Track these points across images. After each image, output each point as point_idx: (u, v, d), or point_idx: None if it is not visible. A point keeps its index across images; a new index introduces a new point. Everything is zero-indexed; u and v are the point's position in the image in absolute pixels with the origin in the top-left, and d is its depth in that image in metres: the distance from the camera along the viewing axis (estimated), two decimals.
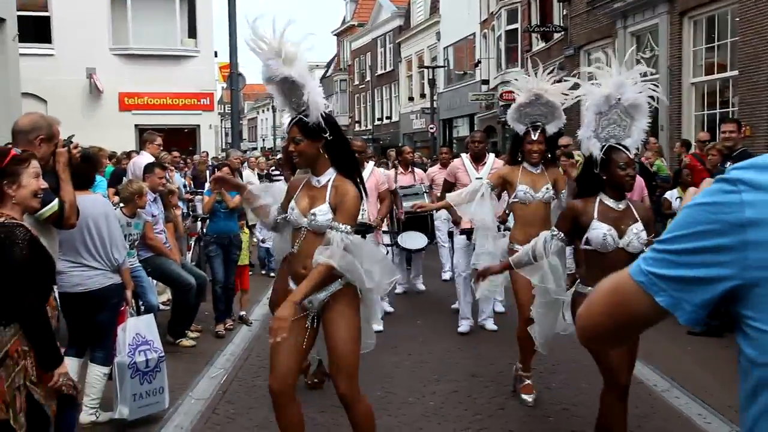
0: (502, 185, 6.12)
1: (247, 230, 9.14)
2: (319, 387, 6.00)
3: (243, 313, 8.57)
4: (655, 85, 4.43)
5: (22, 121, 4.62)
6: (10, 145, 4.14)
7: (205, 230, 8.77)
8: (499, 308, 8.94)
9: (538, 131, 5.90)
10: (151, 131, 9.79)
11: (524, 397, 5.77)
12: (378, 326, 7.09)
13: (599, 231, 4.24)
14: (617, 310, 1.51)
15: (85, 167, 5.57)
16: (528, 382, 5.82)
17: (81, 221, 4.85)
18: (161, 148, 9.62)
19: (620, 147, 4.32)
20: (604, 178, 4.32)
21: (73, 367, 5.18)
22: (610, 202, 4.34)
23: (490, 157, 8.24)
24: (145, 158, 8.92)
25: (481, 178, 7.32)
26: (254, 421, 5.35)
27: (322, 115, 3.97)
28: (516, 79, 6.42)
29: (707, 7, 14.67)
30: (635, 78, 4.35)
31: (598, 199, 4.35)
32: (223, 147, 31.93)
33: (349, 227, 3.88)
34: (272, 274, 10.58)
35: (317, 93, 3.95)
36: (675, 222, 1.44)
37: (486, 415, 5.53)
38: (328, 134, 4.00)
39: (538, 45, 24.73)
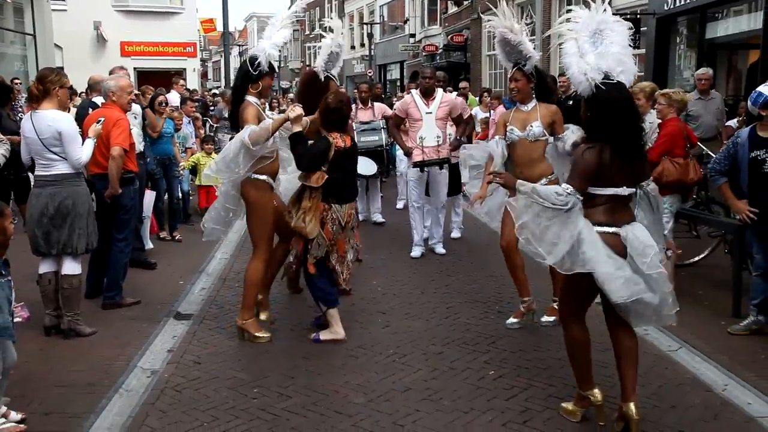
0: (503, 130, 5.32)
1: (215, 155, 9.08)
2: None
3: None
4: None
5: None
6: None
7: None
8: (456, 234, 8.63)
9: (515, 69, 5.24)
10: (176, 76, 12.14)
11: (512, 320, 5.46)
12: None
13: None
14: None
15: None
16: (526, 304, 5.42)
17: None
18: (183, 87, 11.99)
19: None
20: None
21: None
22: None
23: (439, 92, 7.48)
24: (174, 95, 11.29)
25: (431, 113, 7.30)
26: None
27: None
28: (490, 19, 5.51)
29: None
30: None
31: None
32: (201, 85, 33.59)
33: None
34: None
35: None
36: None
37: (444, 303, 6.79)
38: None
39: (452, 9, 27.13)
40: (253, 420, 3.90)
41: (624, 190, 3.55)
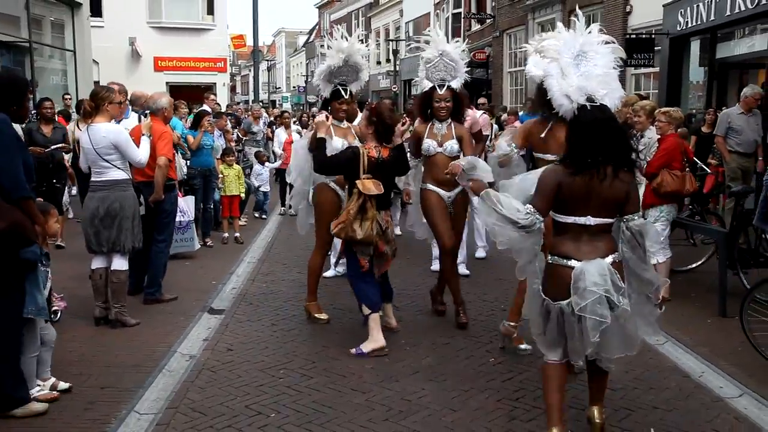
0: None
1: (237, 166, 10.02)
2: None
3: (237, 234, 9.62)
4: None
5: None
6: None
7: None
8: (480, 254, 8.48)
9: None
10: (207, 91, 12.84)
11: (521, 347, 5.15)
12: None
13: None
14: None
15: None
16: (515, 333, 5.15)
17: None
18: (215, 102, 12.70)
19: None
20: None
21: None
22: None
23: None
24: (206, 108, 11.98)
25: None
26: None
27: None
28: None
29: (589, 8, 17.77)
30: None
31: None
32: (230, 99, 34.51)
33: None
34: (263, 216, 11.51)
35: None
36: None
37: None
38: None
39: (474, 27, 27.72)
40: (279, 395, 4.46)
41: (589, 220, 3.42)
